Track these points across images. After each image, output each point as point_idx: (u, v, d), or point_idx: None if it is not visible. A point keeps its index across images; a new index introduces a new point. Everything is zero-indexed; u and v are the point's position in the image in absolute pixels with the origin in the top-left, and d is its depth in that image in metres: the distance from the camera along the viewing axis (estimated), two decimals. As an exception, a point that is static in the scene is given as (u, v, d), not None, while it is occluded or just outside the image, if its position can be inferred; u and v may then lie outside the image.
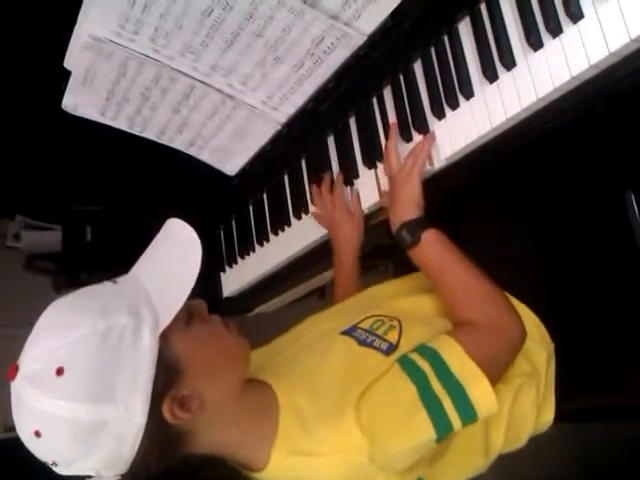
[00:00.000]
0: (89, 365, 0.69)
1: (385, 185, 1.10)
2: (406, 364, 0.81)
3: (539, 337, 1.01)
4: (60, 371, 0.68)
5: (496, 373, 0.83)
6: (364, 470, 0.76)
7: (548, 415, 1.02)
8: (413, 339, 0.87)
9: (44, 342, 0.71)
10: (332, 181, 1.23)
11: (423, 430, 0.77)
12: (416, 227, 0.95)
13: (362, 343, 0.87)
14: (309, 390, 0.82)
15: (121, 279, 0.80)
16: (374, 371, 0.81)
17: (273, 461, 0.78)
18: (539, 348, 0.99)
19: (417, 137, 1.06)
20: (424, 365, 0.80)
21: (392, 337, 0.88)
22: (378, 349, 0.86)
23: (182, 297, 0.75)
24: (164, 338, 0.73)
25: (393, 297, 1.05)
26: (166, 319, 0.73)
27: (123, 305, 0.73)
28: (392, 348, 0.86)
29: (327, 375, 0.83)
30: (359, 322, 0.93)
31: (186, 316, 0.77)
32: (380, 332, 0.89)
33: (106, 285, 0.78)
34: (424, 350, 0.83)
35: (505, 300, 0.91)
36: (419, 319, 0.94)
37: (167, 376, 0.72)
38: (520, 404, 0.95)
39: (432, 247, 0.94)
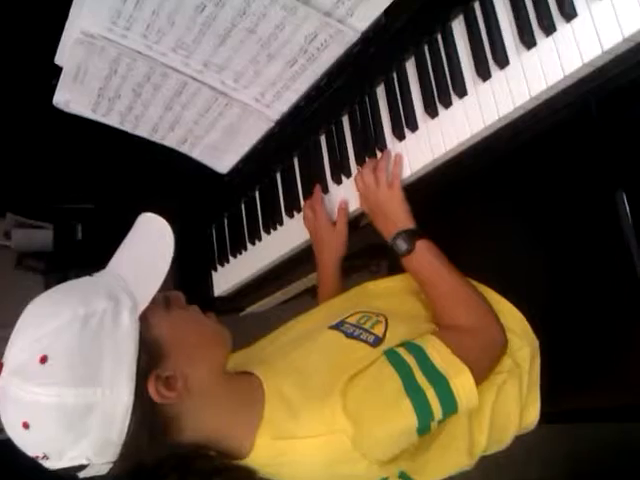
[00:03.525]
0: (71, 350, 0.70)
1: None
2: (392, 356, 0.84)
3: (522, 332, 1.02)
4: (44, 359, 0.69)
5: (477, 375, 0.84)
6: (347, 455, 0.77)
7: (533, 414, 1.02)
8: (398, 334, 0.89)
9: (25, 335, 0.72)
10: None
11: (405, 417, 0.79)
12: (412, 236, 0.99)
13: (349, 336, 0.89)
14: (295, 378, 0.83)
15: (98, 273, 0.81)
16: (361, 361, 0.83)
17: (257, 446, 0.79)
18: (522, 343, 1.00)
19: (410, 135, 1.06)
20: (409, 359, 0.83)
21: (378, 330, 0.90)
22: (365, 341, 0.87)
23: (158, 279, 0.77)
24: (144, 320, 0.75)
25: (381, 297, 1.07)
26: (144, 301, 0.75)
27: (101, 292, 0.75)
28: (378, 340, 0.88)
29: (314, 364, 0.85)
30: (346, 317, 0.95)
31: (164, 302, 0.79)
32: (367, 326, 0.91)
33: (84, 278, 0.80)
34: (409, 346, 0.86)
35: (488, 308, 0.95)
36: (404, 321, 0.95)
37: (149, 356, 0.73)
38: (503, 401, 0.96)
39: (426, 255, 0.98)
